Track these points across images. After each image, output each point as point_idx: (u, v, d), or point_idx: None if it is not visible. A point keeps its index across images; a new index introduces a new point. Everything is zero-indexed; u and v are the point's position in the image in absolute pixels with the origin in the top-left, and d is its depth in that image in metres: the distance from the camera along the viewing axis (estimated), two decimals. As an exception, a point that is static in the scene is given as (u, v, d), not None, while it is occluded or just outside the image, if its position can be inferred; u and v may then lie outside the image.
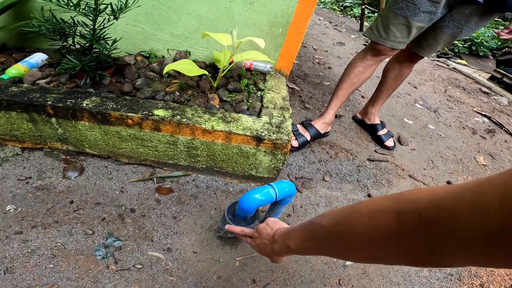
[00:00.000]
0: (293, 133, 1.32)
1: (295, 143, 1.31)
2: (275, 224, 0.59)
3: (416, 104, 2.26)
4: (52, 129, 0.96)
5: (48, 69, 1.16)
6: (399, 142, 1.67)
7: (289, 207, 1.11)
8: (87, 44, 1.02)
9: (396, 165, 1.47)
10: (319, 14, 5.61)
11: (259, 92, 1.23)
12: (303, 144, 1.34)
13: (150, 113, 0.93)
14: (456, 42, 4.95)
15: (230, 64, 1.14)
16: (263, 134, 0.97)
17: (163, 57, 1.38)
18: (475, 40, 4.99)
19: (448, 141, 1.85)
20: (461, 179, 1.53)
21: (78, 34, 0.99)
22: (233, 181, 1.14)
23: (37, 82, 1.05)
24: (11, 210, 0.91)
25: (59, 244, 0.86)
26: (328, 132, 1.46)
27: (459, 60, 4.82)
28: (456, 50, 4.92)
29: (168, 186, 1.05)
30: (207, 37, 1.28)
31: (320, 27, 4.17)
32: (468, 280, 1.09)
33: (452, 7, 1.10)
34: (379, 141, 1.58)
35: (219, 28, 1.33)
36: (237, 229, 0.70)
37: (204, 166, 1.07)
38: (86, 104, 0.90)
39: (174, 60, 1.32)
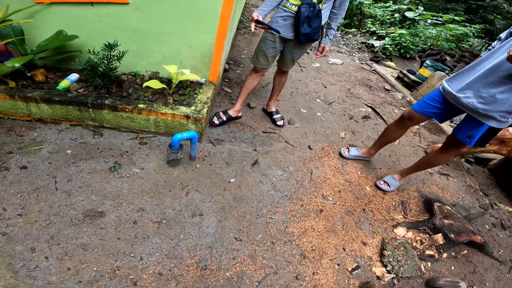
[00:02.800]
0: (216, 116, 2.40)
1: (217, 122, 2.38)
2: None
3: (317, 99, 3.34)
4: (89, 114, 2.02)
5: (81, 83, 2.19)
6: (289, 123, 2.76)
7: (207, 153, 2.17)
8: (104, 71, 2.06)
9: (280, 135, 2.56)
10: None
11: (195, 95, 2.29)
12: (222, 123, 2.41)
13: (137, 106, 1.99)
14: (387, 46, 5.97)
15: (180, 81, 2.19)
16: (190, 114, 2.03)
17: (143, 75, 2.43)
18: (403, 44, 5.90)
19: (325, 123, 2.94)
20: (320, 145, 2.61)
21: (99, 67, 2.02)
22: (180, 141, 2.20)
23: (78, 90, 2.09)
24: (69, 153, 1.95)
25: (93, 166, 1.89)
26: (240, 116, 2.53)
27: (389, 63, 5.79)
28: (388, 53, 5.93)
29: (145, 141, 2.12)
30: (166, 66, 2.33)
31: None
32: (295, 200, 1.95)
33: (284, 43, 2.13)
34: (274, 122, 2.66)
35: (175, 58, 2.36)
36: None
37: (163, 131, 2.15)
38: (107, 102, 1.96)
39: (150, 77, 2.37)
